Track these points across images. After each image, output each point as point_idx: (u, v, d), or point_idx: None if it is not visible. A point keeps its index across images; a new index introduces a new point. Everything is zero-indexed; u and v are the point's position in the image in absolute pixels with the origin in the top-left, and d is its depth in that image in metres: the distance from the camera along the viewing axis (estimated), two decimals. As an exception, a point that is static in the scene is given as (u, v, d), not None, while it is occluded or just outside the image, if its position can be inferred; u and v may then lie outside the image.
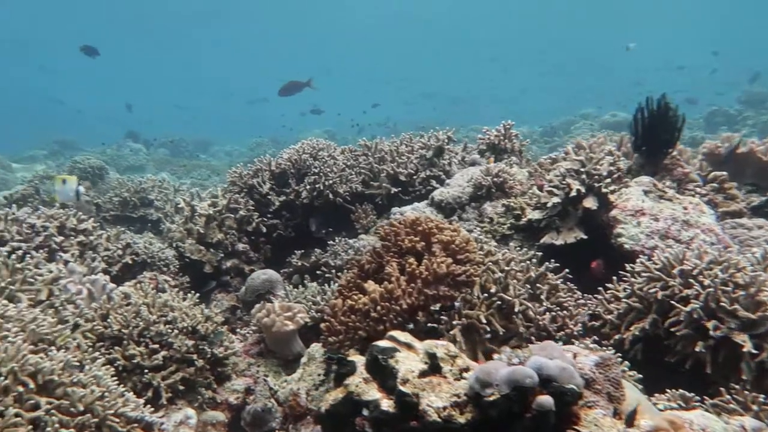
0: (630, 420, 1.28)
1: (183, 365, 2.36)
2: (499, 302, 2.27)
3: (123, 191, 5.00)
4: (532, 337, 2.24)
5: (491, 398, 1.21)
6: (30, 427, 1.56)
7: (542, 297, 2.37)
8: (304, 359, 2.34)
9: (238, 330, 2.94)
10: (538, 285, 2.40)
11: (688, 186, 2.94)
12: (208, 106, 26.63)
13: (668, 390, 1.91)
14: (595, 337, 2.20)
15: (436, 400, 1.27)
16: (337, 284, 2.86)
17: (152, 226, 5.03)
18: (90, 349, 2.13)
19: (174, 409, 2.27)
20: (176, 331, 2.37)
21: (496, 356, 1.38)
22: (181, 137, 15.70)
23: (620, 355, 2.06)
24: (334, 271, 3.15)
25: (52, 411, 1.63)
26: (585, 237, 2.64)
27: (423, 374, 1.34)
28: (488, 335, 2.18)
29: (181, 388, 2.30)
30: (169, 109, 21.00)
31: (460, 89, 26.82)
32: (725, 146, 3.29)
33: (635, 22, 32.49)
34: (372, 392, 1.35)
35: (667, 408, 1.80)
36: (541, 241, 2.73)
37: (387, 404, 1.31)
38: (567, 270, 2.43)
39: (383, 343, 1.45)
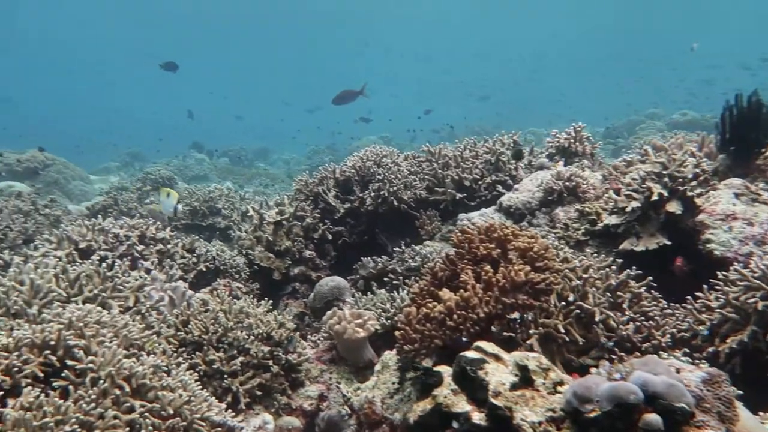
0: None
1: (259, 371, 2.41)
2: (577, 311, 2.19)
3: (193, 201, 5.20)
4: (615, 348, 2.15)
5: (591, 415, 1.15)
6: (127, 429, 1.63)
7: (624, 306, 2.26)
8: (377, 367, 2.34)
9: (308, 336, 2.98)
10: (619, 293, 2.30)
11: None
12: (266, 115, 27.51)
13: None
14: (686, 350, 2.08)
15: (530, 414, 1.23)
16: (406, 291, 2.85)
17: (220, 234, 5.21)
18: (174, 354, 2.21)
19: (252, 414, 2.32)
20: (252, 338, 2.42)
21: (593, 370, 1.31)
22: (241, 147, 16.25)
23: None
24: (401, 278, 3.14)
25: (146, 414, 1.70)
26: (668, 243, 2.51)
27: (514, 387, 1.30)
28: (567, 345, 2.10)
29: (258, 393, 2.36)
30: (230, 120, 21.79)
31: (514, 92, 26.36)
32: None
33: (700, 19, 31.00)
34: (462, 404, 1.32)
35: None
36: (620, 247, 2.61)
37: (478, 417, 1.28)
38: (650, 278, 2.31)
39: (471, 354, 1.42)
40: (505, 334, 2.13)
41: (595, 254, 2.60)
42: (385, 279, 3.21)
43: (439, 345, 2.07)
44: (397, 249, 3.35)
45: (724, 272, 2.17)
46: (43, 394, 1.56)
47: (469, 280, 2.12)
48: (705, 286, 2.22)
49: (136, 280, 2.48)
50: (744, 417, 1.25)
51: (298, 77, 38.45)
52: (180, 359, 2.17)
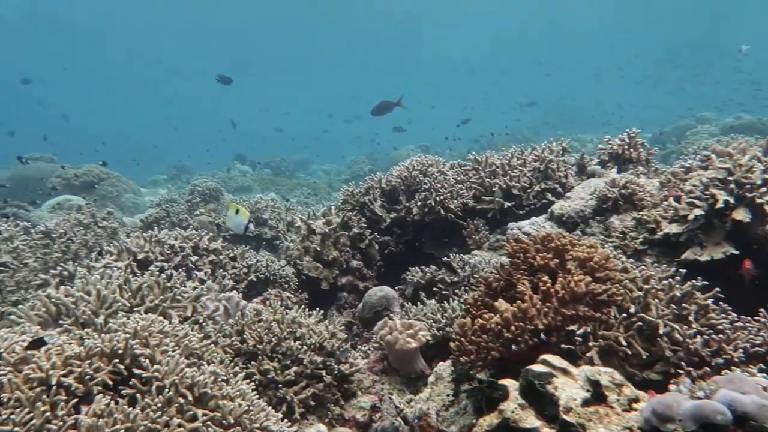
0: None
1: (313, 381, 2.42)
2: (639, 323, 2.11)
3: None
4: (682, 362, 2.05)
5: (673, 434, 1.10)
6: (191, 437, 1.66)
7: (690, 318, 2.16)
8: (431, 378, 2.31)
9: (359, 346, 2.98)
10: (684, 305, 2.20)
11: None
12: (306, 127, 28.08)
13: None
14: (762, 365, 1.96)
15: (605, 432, 1.18)
16: (457, 301, 2.81)
17: (266, 244, 5.30)
18: (231, 363, 2.25)
19: (306, 424, 2.33)
20: (305, 347, 2.44)
21: (672, 387, 1.25)
22: (282, 158, 16.56)
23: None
24: (450, 288, 3.10)
25: (208, 422, 1.73)
26: (736, 252, 2.39)
27: (587, 403, 1.25)
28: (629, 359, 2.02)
29: (312, 403, 2.36)
30: (270, 132, 22.29)
31: (558, 100, 25.92)
32: None
33: (746, 22, 29.79)
34: (530, 419, 1.28)
35: None
36: (683, 257, 2.50)
37: (548, 434, 1.24)
38: (717, 289, 2.20)
39: (538, 368, 1.38)
40: (563, 346, 2.08)
41: (656, 264, 2.50)
42: (434, 289, 3.18)
43: (496, 357, 2.03)
44: (445, 259, 3.32)
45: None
46: (112, 402, 1.61)
47: (526, 291, 2.07)
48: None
49: (193, 290, 2.54)
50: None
51: (336, 88, 39.05)
52: (236, 368, 2.21)
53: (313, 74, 42.03)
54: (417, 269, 3.40)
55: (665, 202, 2.74)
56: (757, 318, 2.15)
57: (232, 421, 1.80)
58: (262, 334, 2.45)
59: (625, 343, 2.04)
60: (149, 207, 7.81)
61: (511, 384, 1.42)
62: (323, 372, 2.44)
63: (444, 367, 2.29)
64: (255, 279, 3.47)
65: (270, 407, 2.06)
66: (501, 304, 2.10)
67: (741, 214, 2.37)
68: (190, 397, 1.75)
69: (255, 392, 2.06)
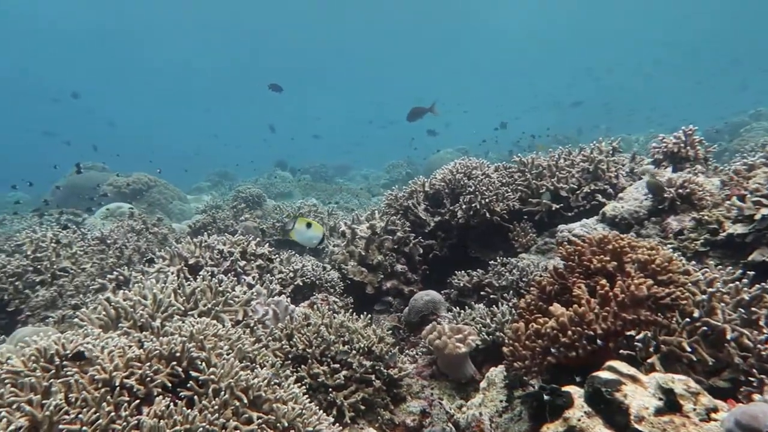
0: None
1: (362, 385, 2.41)
2: (704, 328, 2.00)
3: (284, 217, 5.38)
4: (753, 369, 1.94)
5: (759, 447, 1.02)
6: (247, 440, 1.67)
7: (761, 323, 2.04)
8: (483, 384, 2.26)
9: (406, 351, 2.95)
10: (753, 309, 2.08)
11: None
12: (344, 133, 28.42)
13: None
14: (843, 374, 1.83)
15: (681, 443, 1.12)
16: (507, 305, 2.75)
17: (310, 249, 5.34)
18: (282, 367, 2.26)
19: (356, 428, 2.32)
20: (354, 351, 2.43)
21: (757, 396, 1.18)
22: (321, 163, 16.75)
23: None
24: (499, 292, 3.04)
25: (263, 425, 1.73)
26: (808, 253, 2.24)
27: (659, 412, 1.19)
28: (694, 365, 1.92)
29: (362, 407, 2.35)
30: (308, 140, 22.64)
31: (599, 99, 25.28)
32: None
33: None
34: (598, 428, 1.22)
35: None
36: (749, 258, 2.37)
37: (619, 444, 1.18)
38: (789, 292, 2.07)
39: (605, 375, 1.32)
40: (622, 352, 2.00)
41: (720, 266, 2.38)
42: (482, 293, 3.12)
43: (551, 362, 1.97)
44: (492, 262, 3.26)
45: None
46: (172, 403, 1.64)
47: (583, 295, 2.00)
48: None
49: (244, 294, 2.57)
50: None
51: (371, 95, 39.39)
52: (287, 372, 2.22)
53: (349, 81, 42.61)
54: (463, 273, 3.35)
55: (728, 202, 2.60)
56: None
57: (286, 424, 1.80)
58: (311, 337, 2.45)
59: (689, 349, 1.94)
60: (195, 213, 8.01)
61: (574, 391, 1.36)
62: (372, 376, 2.42)
63: (496, 373, 2.24)
64: (301, 283, 3.49)
65: (321, 411, 2.06)
66: (556, 308, 2.04)
67: (814, 213, 2.23)
68: (245, 400, 1.76)
69: (306, 396, 2.06)
